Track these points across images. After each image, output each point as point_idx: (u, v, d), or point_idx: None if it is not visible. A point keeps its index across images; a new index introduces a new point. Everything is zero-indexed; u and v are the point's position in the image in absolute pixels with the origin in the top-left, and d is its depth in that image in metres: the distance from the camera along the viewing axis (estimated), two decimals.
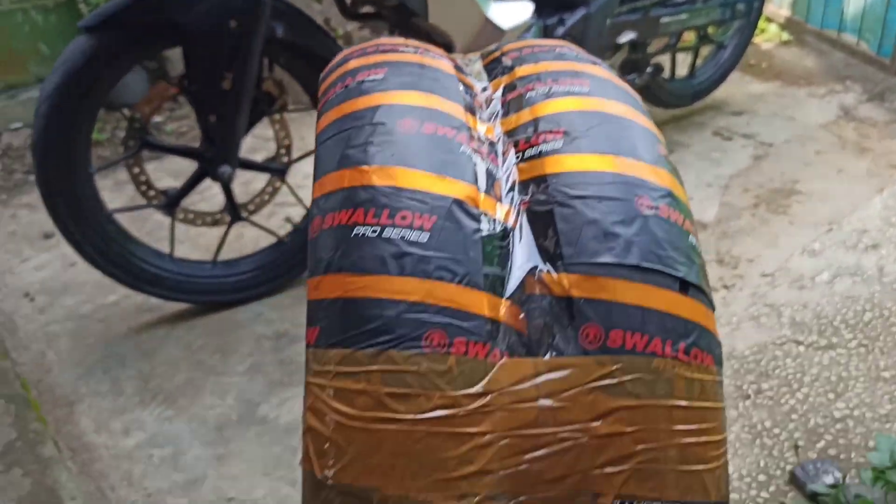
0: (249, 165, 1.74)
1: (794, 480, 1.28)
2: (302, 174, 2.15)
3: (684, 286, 0.42)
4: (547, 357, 0.39)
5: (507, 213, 0.44)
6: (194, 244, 1.95)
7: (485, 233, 0.42)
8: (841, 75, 2.76)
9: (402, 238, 0.40)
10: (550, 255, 0.42)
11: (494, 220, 0.43)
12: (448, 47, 1.70)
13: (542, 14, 1.84)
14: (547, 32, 1.83)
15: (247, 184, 2.11)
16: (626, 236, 0.42)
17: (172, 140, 2.52)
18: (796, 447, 1.33)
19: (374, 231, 0.40)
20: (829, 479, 1.25)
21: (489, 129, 0.50)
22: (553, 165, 0.45)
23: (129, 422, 1.48)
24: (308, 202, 1.79)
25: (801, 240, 1.91)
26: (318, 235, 0.42)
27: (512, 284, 0.42)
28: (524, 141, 0.48)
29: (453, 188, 0.42)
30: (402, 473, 0.36)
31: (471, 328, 0.38)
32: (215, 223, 1.76)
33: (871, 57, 2.76)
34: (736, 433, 1.38)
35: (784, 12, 3.11)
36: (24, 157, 2.45)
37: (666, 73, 2.33)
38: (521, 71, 0.50)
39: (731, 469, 1.30)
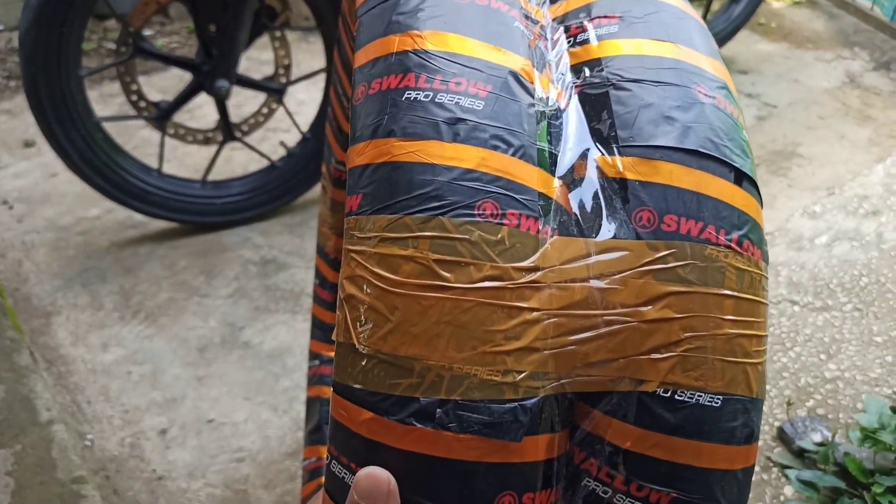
0: (247, 83, 1.67)
1: (782, 436, 1.28)
2: (296, 101, 2.08)
3: (738, 178, 0.41)
4: (599, 238, 0.38)
5: (560, 95, 0.42)
6: (181, 163, 1.89)
7: (539, 108, 0.40)
8: (850, 41, 2.72)
9: (457, 104, 0.38)
10: (604, 137, 0.40)
11: (548, 98, 0.41)
12: None
13: None
14: None
15: (238, 107, 2.03)
16: (684, 121, 0.40)
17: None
18: (787, 404, 1.33)
19: (427, 95, 0.38)
20: (817, 437, 1.25)
21: (538, 12, 0.46)
22: (608, 49, 0.43)
23: (108, 337, 1.44)
24: (305, 127, 1.73)
25: (801, 202, 1.89)
26: (362, 102, 0.39)
27: (565, 165, 0.40)
28: (576, 26, 0.46)
29: (508, 59, 0.40)
30: (448, 344, 0.35)
31: (524, 201, 0.37)
32: (207, 141, 1.70)
33: (883, 23, 2.72)
34: None
35: None
36: (4, 62, 2.35)
37: None
38: None
39: None
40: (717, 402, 0.37)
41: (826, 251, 1.70)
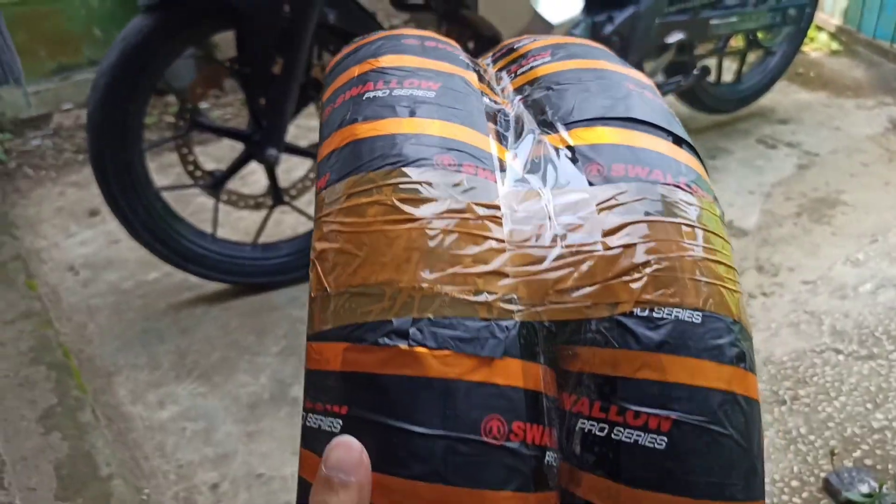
0: (295, 150, 1.76)
1: (828, 487, 1.26)
2: None
3: (677, 141, 0.44)
4: (554, 189, 0.41)
5: (505, 102, 0.47)
6: (234, 227, 1.98)
7: (487, 104, 0.45)
8: (891, 87, 2.71)
9: (411, 95, 0.42)
10: (549, 122, 0.45)
11: (494, 101, 0.46)
12: (495, 40, 1.70)
13: (591, 11, 1.84)
14: (595, 29, 1.83)
15: (287, 171, 2.13)
16: (619, 99, 0.45)
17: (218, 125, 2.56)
18: (832, 454, 1.31)
19: (385, 92, 0.43)
20: (864, 488, 1.23)
21: (482, 64, 0.54)
22: (544, 70, 0.49)
23: (165, 395, 1.51)
24: None
25: (844, 250, 1.88)
26: (329, 115, 0.44)
27: (514, 145, 0.44)
28: (515, 66, 0.52)
29: (457, 70, 0.46)
30: (416, 267, 0.36)
31: (480, 157, 0.40)
32: (258, 206, 1.79)
33: None
34: (770, 438, 1.36)
35: (835, 21, 3.07)
36: (73, 137, 2.51)
37: (712, 78, 2.31)
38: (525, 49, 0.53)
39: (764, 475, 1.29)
40: (697, 318, 0.37)
41: (871, 299, 1.69)
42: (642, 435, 0.35)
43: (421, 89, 0.43)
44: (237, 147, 1.79)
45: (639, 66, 2.01)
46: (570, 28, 1.74)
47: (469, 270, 0.36)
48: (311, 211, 1.89)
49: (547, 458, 0.36)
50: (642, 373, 0.36)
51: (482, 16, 1.64)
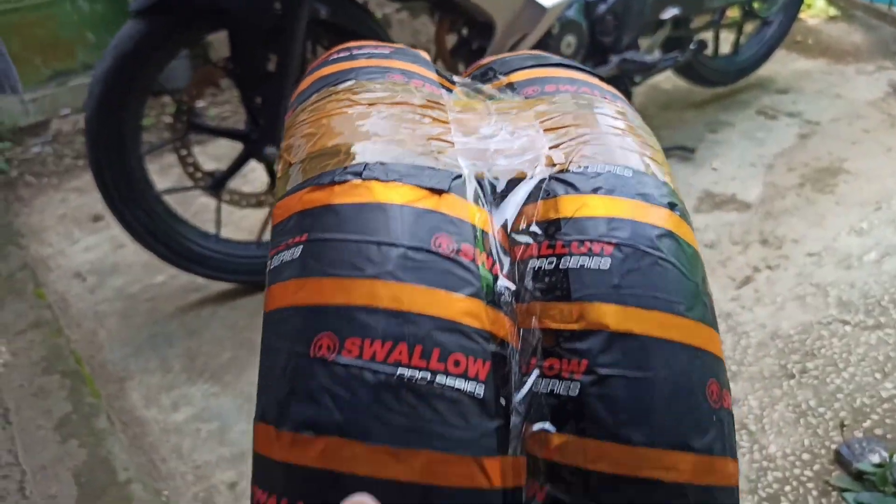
0: None
1: (839, 459, 1.27)
2: None
3: (601, 80, 0.53)
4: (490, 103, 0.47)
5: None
6: (237, 226, 1.99)
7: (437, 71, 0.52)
8: (891, 50, 2.69)
9: (368, 52, 0.51)
10: (493, 73, 0.54)
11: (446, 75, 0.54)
12: (489, 26, 1.69)
13: None
14: (588, 10, 1.82)
15: None
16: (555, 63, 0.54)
17: (215, 124, 2.56)
18: (842, 426, 1.32)
19: (346, 54, 0.53)
20: (875, 458, 1.24)
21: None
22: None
23: (178, 397, 1.52)
24: None
25: (848, 219, 1.88)
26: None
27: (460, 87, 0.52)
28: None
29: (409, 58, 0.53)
30: (369, 130, 0.40)
31: (428, 78, 0.47)
32: (259, 204, 1.79)
33: None
34: (780, 412, 1.37)
35: None
36: (73, 143, 2.52)
37: (709, 51, 2.29)
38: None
39: (774, 448, 1.30)
40: (627, 174, 0.40)
41: (876, 268, 1.68)
42: (587, 259, 0.37)
43: (375, 53, 0.49)
44: (236, 145, 1.79)
45: (634, 44, 2.00)
46: (563, 10, 1.73)
47: (417, 135, 0.40)
48: None
49: (498, 285, 0.38)
50: (582, 211, 0.39)
51: (475, 2, 1.63)
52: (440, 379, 0.34)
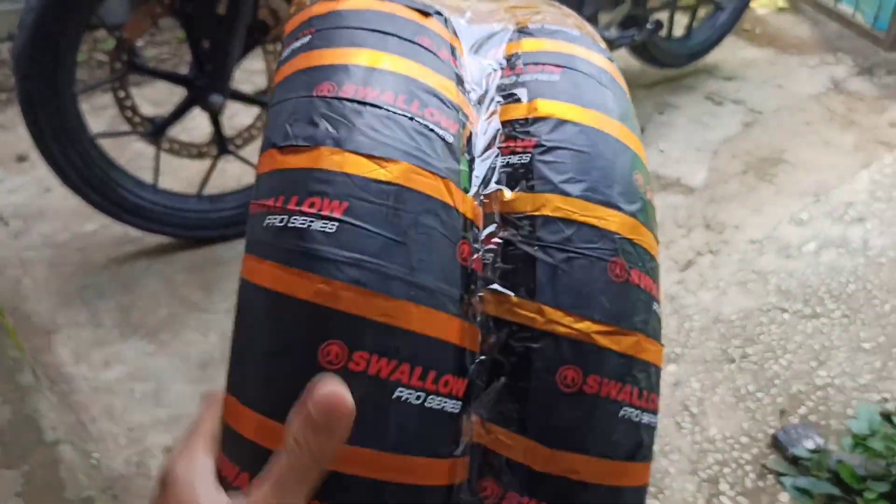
0: (240, 97, 1.68)
1: (776, 443, 1.31)
2: None
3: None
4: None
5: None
6: (175, 177, 1.89)
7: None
8: (833, 46, 2.76)
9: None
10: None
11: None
12: None
13: None
14: None
15: (230, 118, 2.04)
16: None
17: (154, 66, 2.42)
18: (781, 412, 1.36)
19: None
20: (810, 444, 1.28)
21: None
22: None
23: (109, 354, 1.45)
24: None
25: (787, 209, 1.93)
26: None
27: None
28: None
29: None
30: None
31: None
32: (201, 155, 1.71)
33: (865, 30, 2.76)
34: (721, 395, 1.40)
35: None
36: None
37: (663, 32, 2.30)
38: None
39: (714, 430, 1.33)
40: (577, 33, 0.48)
41: (814, 258, 1.74)
42: (541, 75, 0.45)
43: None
44: (176, 90, 1.69)
45: (593, 19, 1.98)
46: None
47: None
48: (257, 161, 1.81)
49: (466, 85, 0.45)
50: (538, 48, 0.47)
51: None
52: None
